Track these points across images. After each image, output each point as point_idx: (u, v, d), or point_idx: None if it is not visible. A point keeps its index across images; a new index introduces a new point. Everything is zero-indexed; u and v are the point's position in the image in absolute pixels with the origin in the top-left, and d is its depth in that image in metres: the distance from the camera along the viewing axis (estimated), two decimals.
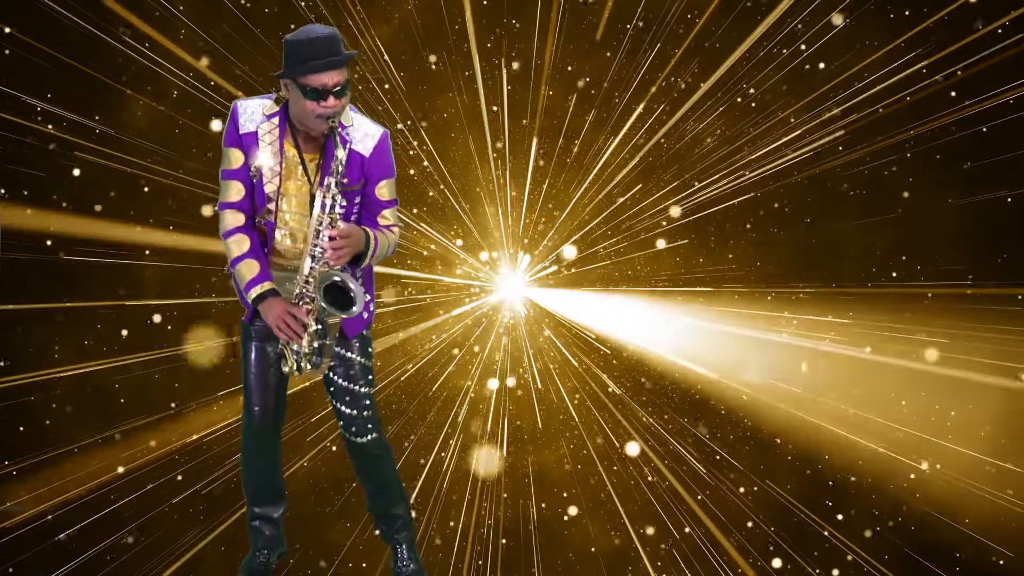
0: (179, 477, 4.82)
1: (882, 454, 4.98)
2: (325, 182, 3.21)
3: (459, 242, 5.39)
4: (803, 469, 5.08)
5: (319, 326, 3.29)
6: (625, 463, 5.15)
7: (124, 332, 5.02)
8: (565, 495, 5.07)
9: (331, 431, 5.08)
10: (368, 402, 3.50)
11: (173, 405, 4.97)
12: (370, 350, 3.53)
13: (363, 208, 3.37)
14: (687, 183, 5.28)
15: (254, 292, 3.28)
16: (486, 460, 5.17)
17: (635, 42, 5.18)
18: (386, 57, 5.15)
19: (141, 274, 5.05)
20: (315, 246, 3.22)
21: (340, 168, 3.21)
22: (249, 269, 3.29)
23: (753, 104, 5.16)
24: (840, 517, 4.89)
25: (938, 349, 5.00)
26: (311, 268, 3.24)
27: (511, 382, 5.37)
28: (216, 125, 4.94)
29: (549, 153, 5.33)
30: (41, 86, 4.82)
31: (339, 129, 3.21)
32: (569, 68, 5.25)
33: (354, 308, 3.20)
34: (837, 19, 4.99)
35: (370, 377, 3.52)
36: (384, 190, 3.36)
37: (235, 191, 3.30)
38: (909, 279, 5.11)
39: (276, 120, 3.26)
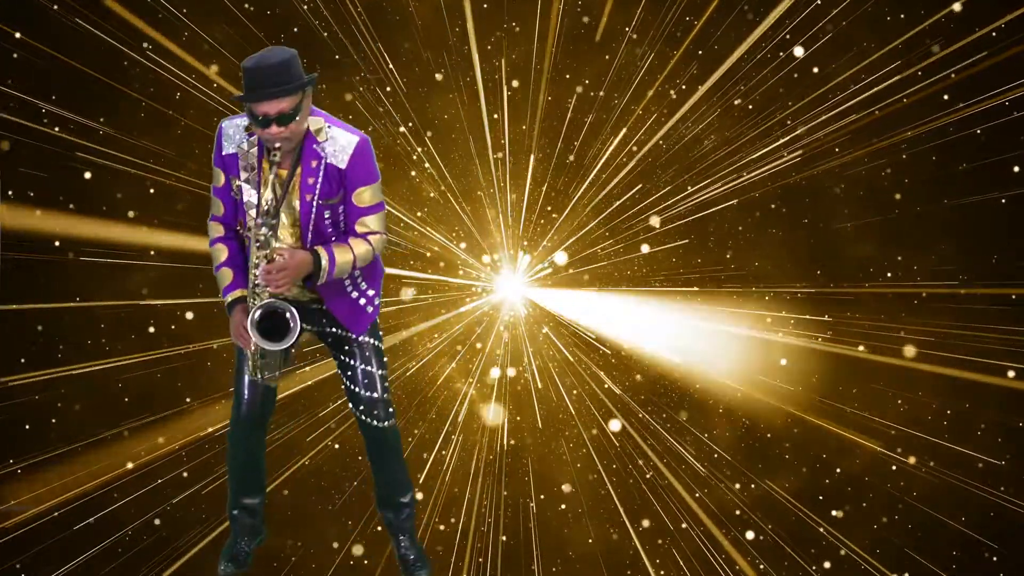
0: (184, 474, 4.83)
1: (878, 452, 5.02)
2: (257, 221, 3.29)
3: (463, 245, 5.41)
4: (800, 467, 5.11)
5: (263, 358, 3.44)
6: (624, 461, 5.16)
7: (124, 332, 5.03)
8: (564, 493, 5.08)
9: (330, 432, 5.09)
10: (386, 384, 3.59)
11: (187, 400, 5.00)
12: (380, 333, 3.63)
13: (345, 216, 3.43)
14: (685, 184, 5.30)
15: (228, 298, 3.43)
16: (493, 413, 5.23)
17: (634, 44, 5.21)
18: (387, 58, 5.16)
19: (146, 274, 5.06)
20: (255, 277, 3.32)
21: (270, 207, 3.27)
22: (224, 277, 3.45)
23: (750, 106, 5.19)
24: (835, 514, 4.92)
25: (933, 348, 5.04)
26: (253, 296, 3.36)
27: (511, 380, 5.38)
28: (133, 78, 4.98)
29: (549, 154, 5.35)
30: (47, 88, 4.84)
31: (313, 144, 3.29)
32: (568, 71, 5.27)
33: (286, 339, 3.29)
34: (834, 21, 5.02)
35: (384, 359, 3.61)
36: (364, 196, 3.39)
37: (217, 206, 3.47)
38: (906, 279, 5.15)
39: (255, 139, 3.32)
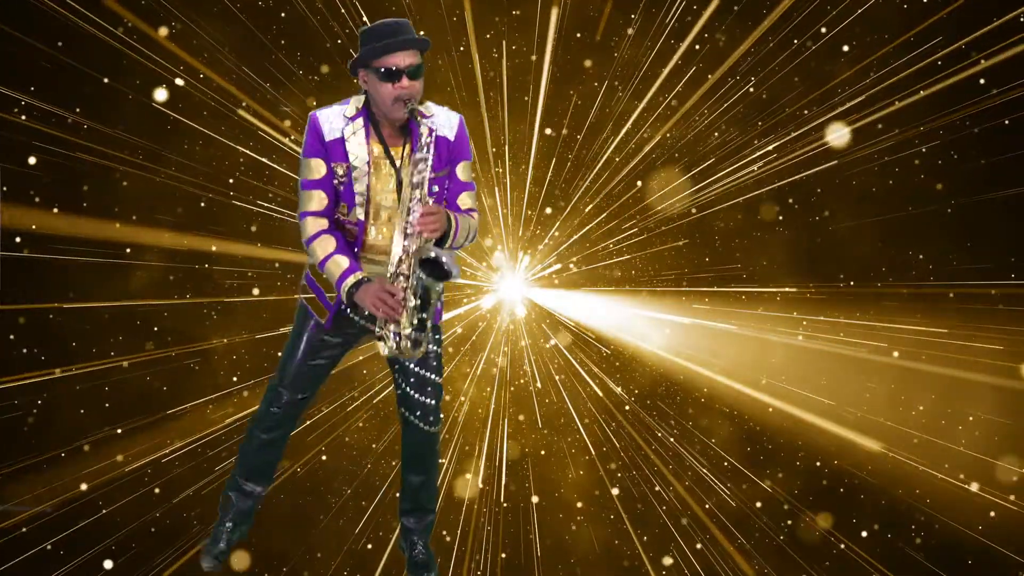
0: (184, 475, 4.83)
1: (876, 451, 5.04)
2: (413, 159, 3.26)
3: (472, 254, 5.42)
4: (806, 470, 5.12)
5: (417, 301, 3.29)
6: (623, 460, 5.17)
7: (124, 332, 5.03)
8: (565, 495, 5.09)
9: (331, 431, 5.10)
10: (441, 392, 3.59)
11: (187, 400, 5.00)
12: (441, 340, 3.60)
13: (449, 191, 3.43)
14: (686, 183, 5.32)
15: (348, 282, 3.29)
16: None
17: (637, 39, 5.22)
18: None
19: (148, 275, 5.07)
20: (407, 223, 3.27)
21: (427, 144, 3.26)
22: (338, 265, 3.31)
23: (761, 99, 5.21)
24: (837, 516, 4.92)
25: (934, 349, 5.07)
26: (404, 246, 3.28)
27: (511, 380, 5.39)
28: (161, 95, 4.96)
29: (549, 153, 5.36)
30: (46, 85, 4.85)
31: (421, 118, 3.26)
32: (568, 71, 5.29)
33: (453, 274, 3.21)
34: (836, 22, 5.04)
35: (442, 367, 3.60)
36: (463, 172, 3.43)
37: (316, 200, 3.34)
38: (919, 278, 5.17)
39: (360, 121, 3.33)
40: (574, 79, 5.29)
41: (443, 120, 3.36)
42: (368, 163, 3.32)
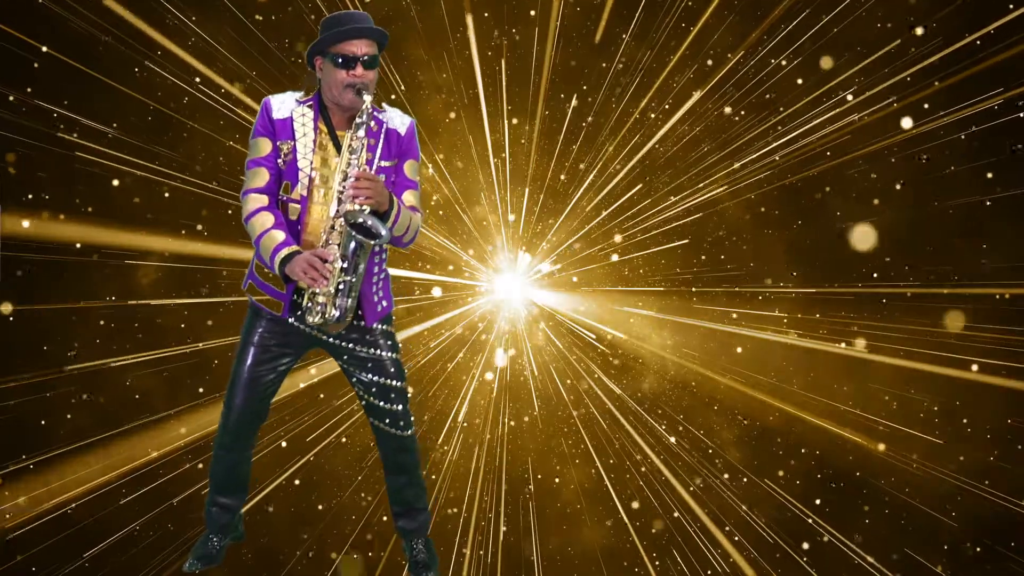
0: (184, 475, 4.83)
1: (875, 450, 5.03)
2: (353, 124, 3.32)
3: (470, 252, 5.43)
4: (798, 464, 5.13)
5: (344, 264, 3.31)
6: (623, 459, 5.16)
7: (124, 332, 5.04)
8: (564, 491, 5.09)
9: (329, 432, 5.10)
10: (407, 395, 3.61)
11: (186, 400, 5.00)
12: (397, 345, 3.62)
13: (395, 186, 3.48)
14: (685, 184, 5.33)
15: (282, 254, 3.31)
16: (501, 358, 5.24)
17: (634, 44, 5.24)
18: (386, 58, 5.18)
19: (146, 274, 5.07)
20: (341, 188, 3.31)
21: (368, 113, 3.31)
22: (272, 240, 3.33)
23: (747, 107, 5.22)
24: (829, 510, 4.93)
25: (931, 348, 5.07)
26: (336, 210, 3.32)
27: (511, 379, 5.39)
28: (132, 79, 4.98)
29: (549, 153, 5.37)
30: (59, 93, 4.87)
31: (372, 112, 3.37)
32: (568, 71, 5.30)
33: (382, 233, 3.24)
34: (831, 23, 5.07)
35: (403, 371, 3.62)
36: (410, 169, 3.49)
37: (259, 178, 3.38)
38: (922, 278, 5.17)
39: (310, 103, 3.40)
40: (575, 77, 5.30)
41: (396, 117, 3.46)
42: (314, 141, 3.38)
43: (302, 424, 5.06)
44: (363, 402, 3.61)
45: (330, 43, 3.30)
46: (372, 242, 3.27)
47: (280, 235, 3.33)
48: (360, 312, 3.51)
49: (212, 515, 3.81)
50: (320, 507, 4.85)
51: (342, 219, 3.28)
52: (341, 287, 3.32)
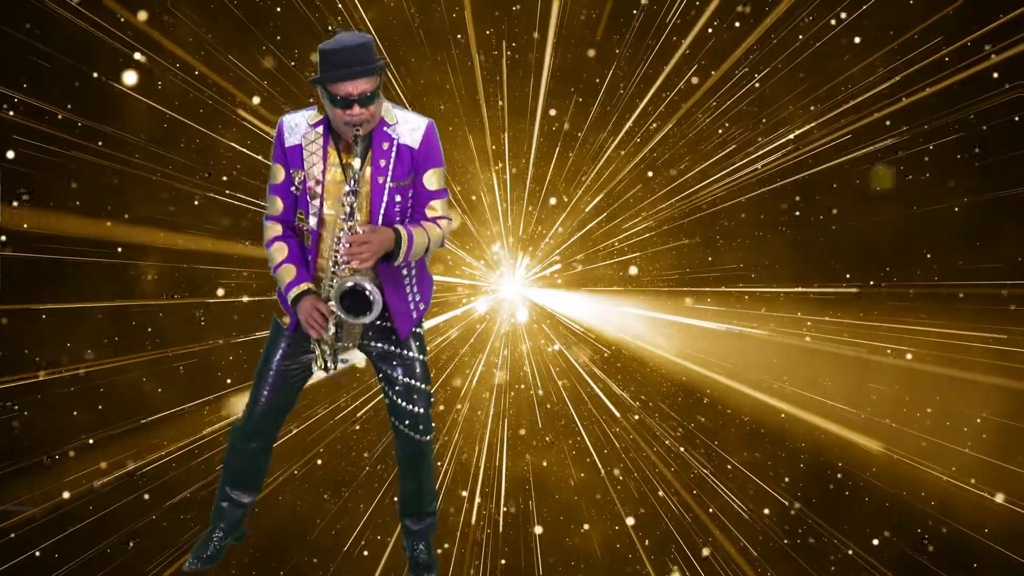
0: (183, 475, 4.83)
1: (894, 458, 5.03)
2: (344, 192, 3.28)
3: (472, 254, 5.42)
4: (810, 472, 5.11)
5: (333, 330, 3.39)
6: (623, 460, 5.16)
7: (124, 332, 5.04)
8: (566, 498, 5.08)
9: (329, 432, 5.10)
10: (430, 399, 3.62)
11: (185, 401, 5.00)
12: (425, 347, 3.63)
13: (413, 200, 3.43)
14: (685, 184, 5.31)
15: (292, 293, 3.38)
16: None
17: (637, 38, 5.22)
18: (386, 59, 5.16)
19: (145, 274, 5.07)
20: (336, 252, 3.30)
21: (356, 176, 3.25)
22: (287, 273, 3.38)
23: (765, 96, 5.20)
24: (845, 521, 4.91)
25: (932, 348, 5.06)
26: (333, 274, 3.32)
27: (511, 379, 5.38)
28: (130, 78, 4.96)
29: (549, 152, 5.36)
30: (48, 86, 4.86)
31: (384, 127, 3.30)
32: (568, 69, 5.28)
33: (369, 314, 3.28)
34: (842, 17, 5.04)
35: (429, 375, 3.63)
36: (432, 180, 3.42)
37: (275, 206, 3.42)
38: (926, 278, 5.15)
39: (320, 129, 3.34)
40: (575, 75, 5.28)
41: (408, 128, 3.36)
42: (323, 172, 3.35)
43: (303, 424, 5.06)
44: (387, 400, 3.62)
45: (324, 81, 3.21)
46: (356, 321, 3.32)
47: (292, 271, 3.39)
48: (391, 325, 3.53)
49: (222, 510, 3.79)
50: (321, 507, 4.85)
51: (334, 290, 3.31)
52: (339, 347, 3.44)
